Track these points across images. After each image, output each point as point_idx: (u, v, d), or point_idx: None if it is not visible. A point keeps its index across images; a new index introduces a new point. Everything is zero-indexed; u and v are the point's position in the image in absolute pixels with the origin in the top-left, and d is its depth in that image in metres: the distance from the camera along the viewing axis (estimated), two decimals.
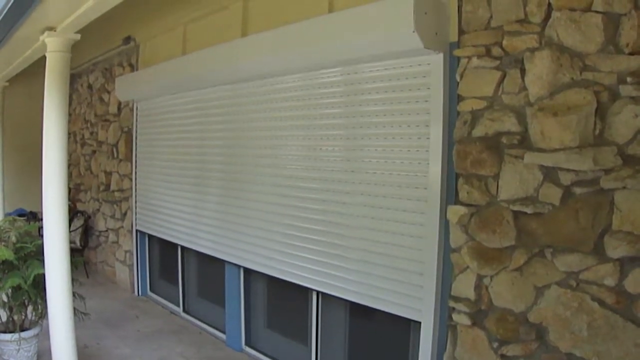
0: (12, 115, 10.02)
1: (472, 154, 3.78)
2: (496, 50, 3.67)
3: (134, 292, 8.74)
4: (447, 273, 4.03)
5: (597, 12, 3.16)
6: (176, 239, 7.49)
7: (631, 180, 3.01)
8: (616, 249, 3.08)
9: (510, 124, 3.57)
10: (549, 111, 3.34)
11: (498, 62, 3.66)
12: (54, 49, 4.94)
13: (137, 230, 8.61)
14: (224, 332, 6.65)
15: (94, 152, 10.32)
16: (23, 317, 5.56)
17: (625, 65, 3.06)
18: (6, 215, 7.81)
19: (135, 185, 8.55)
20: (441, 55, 4.00)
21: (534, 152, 3.42)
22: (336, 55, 4.66)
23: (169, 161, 7.57)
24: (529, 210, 3.44)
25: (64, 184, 4.95)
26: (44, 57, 5.11)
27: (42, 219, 5.16)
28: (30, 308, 5.56)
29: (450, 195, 3.99)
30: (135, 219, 8.58)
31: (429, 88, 4.10)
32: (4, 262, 5.33)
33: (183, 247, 7.66)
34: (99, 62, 10.04)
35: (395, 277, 4.33)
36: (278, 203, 5.53)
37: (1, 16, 4.69)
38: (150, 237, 8.55)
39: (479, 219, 3.75)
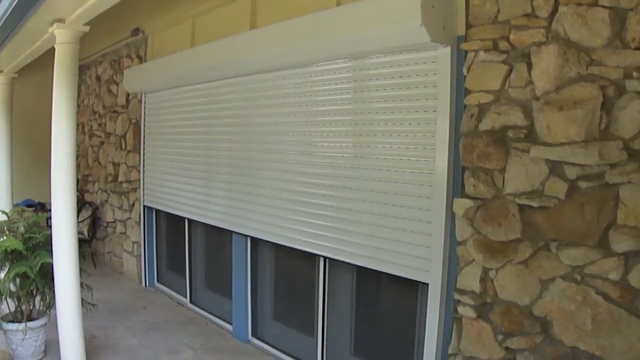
0: (21, 107, 10.07)
1: (478, 147, 3.79)
2: (503, 44, 3.67)
3: (141, 283, 8.79)
4: (453, 265, 4.06)
5: (603, 6, 3.15)
6: (184, 212, 7.53)
7: (636, 174, 3.02)
8: (621, 243, 3.09)
9: (516, 117, 3.58)
10: (555, 105, 3.35)
11: (505, 56, 3.66)
12: (63, 41, 4.97)
13: (145, 207, 8.66)
14: (230, 323, 6.69)
15: (102, 143, 10.36)
16: (31, 307, 5.60)
17: (631, 60, 3.06)
18: (15, 205, 7.84)
19: (144, 173, 8.58)
20: (448, 48, 4.00)
21: (540, 146, 3.42)
22: (343, 48, 4.66)
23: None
24: (534, 203, 3.45)
25: (72, 175, 5.00)
26: (53, 49, 5.14)
27: (50, 210, 5.20)
28: (38, 298, 5.60)
29: (456, 189, 4.00)
30: (143, 209, 8.63)
31: (435, 81, 4.09)
32: (13, 252, 5.37)
33: (191, 237, 7.72)
34: (107, 54, 10.06)
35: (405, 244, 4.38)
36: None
37: (11, 8, 4.71)
38: (158, 227, 8.61)
39: (485, 212, 3.76)
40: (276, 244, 5.91)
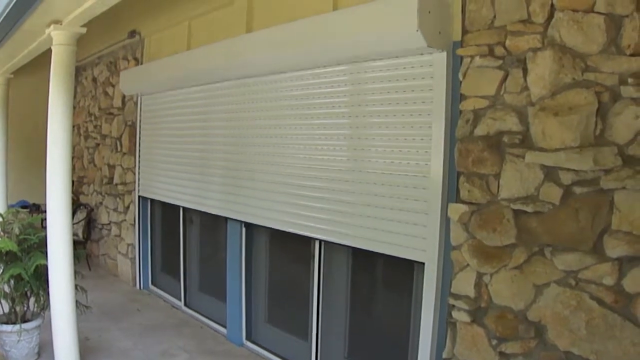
0: (17, 107, 10.04)
1: (473, 152, 3.80)
2: (499, 50, 3.68)
3: (135, 285, 8.78)
4: (447, 267, 4.07)
5: (599, 13, 3.17)
6: (180, 201, 7.53)
7: (631, 180, 3.03)
8: (615, 248, 3.10)
9: (511, 123, 3.59)
10: (550, 111, 3.36)
11: (501, 61, 3.67)
12: (59, 42, 4.97)
13: (139, 207, 8.65)
14: (224, 327, 6.68)
15: (97, 145, 10.35)
16: (25, 308, 5.59)
17: (626, 67, 3.08)
18: (9, 207, 7.83)
19: (139, 174, 8.58)
20: (444, 54, 4.01)
21: (535, 151, 3.44)
22: (340, 52, 4.67)
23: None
24: (529, 209, 3.46)
25: (67, 177, 4.99)
26: (49, 50, 5.13)
27: (45, 211, 5.19)
28: (32, 299, 5.59)
29: (451, 193, 4.01)
30: (138, 210, 8.62)
31: (431, 86, 4.11)
32: (7, 253, 5.36)
33: (185, 239, 7.73)
34: (103, 56, 10.05)
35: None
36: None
37: (8, 9, 4.71)
38: (153, 230, 8.61)
39: (480, 217, 3.77)
40: (271, 240, 6.02)
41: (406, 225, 4.32)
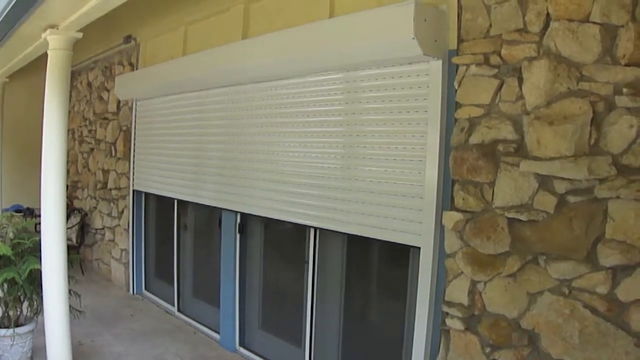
0: (11, 111, 10.04)
1: (468, 160, 3.81)
2: (494, 59, 3.70)
3: (129, 290, 8.75)
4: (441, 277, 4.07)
5: (594, 23, 3.19)
6: (174, 193, 7.52)
7: (625, 190, 3.04)
8: (609, 257, 3.11)
9: (506, 132, 3.60)
10: (545, 120, 3.38)
11: (496, 70, 3.69)
12: (55, 47, 4.97)
13: (134, 213, 8.64)
14: (218, 332, 6.67)
15: (92, 149, 10.33)
16: (18, 312, 5.57)
17: (621, 76, 3.10)
18: (3, 211, 7.81)
19: (133, 179, 8.57)
20: (440, 62, 4.02)
21: (529, 160, 3.45)
22: (336, 59, 4.68)
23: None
24: (523, 217, 3.47)
25: (62, 181, 4.98)
26: (45, 54, 5.13)
27: (39, 215, 5.18)
28: (25, 304, 5.57)
29: (446, 201, 4.02)
30: (132, 215, 8.61)
31: (427, 94, 4.12)
32: (1, 257, 5.34)
33: (179, 245, 7.73)
34: (99, 60, 10.05)
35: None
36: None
37: (4, 13, 4.71)
38: (147, 235, 8.60)
39: (474, 225, 3.78)
40: (265, 245, 6.08)
41: (402, 210, 4.33)
